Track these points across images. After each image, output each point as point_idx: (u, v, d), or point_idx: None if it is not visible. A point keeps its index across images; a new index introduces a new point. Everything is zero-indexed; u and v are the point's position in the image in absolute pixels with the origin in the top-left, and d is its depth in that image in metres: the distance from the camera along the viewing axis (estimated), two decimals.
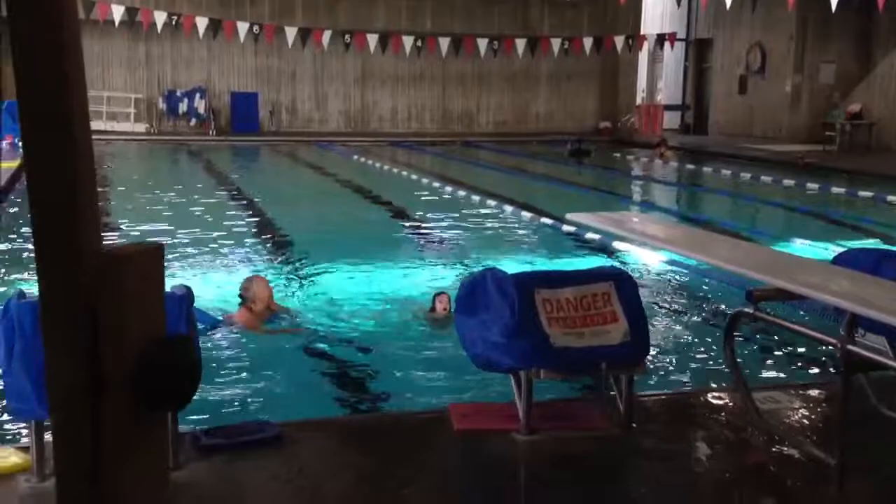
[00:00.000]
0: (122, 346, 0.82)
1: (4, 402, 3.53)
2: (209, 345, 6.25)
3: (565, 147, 23.04)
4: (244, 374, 5.94)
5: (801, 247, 10.42)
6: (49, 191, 0.80)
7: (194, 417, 4.54)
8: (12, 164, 14.75)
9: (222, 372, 5.85)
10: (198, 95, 26.51)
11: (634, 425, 4.33)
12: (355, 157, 21.98)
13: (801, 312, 6.40)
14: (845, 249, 5.21)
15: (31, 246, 0.81)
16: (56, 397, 0.83)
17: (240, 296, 6.88)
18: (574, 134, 26.06)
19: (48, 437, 3.87)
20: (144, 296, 0.85)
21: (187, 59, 27.06)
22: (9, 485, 3.58)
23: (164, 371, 0.86)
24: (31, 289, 6.97)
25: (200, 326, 6.45)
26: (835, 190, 16.12)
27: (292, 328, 6.85)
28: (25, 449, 3.75)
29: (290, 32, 25.78)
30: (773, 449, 4.16)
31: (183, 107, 26.55)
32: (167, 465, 0.95)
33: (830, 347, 4.24)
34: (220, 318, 6.81)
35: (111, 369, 0.81)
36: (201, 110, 26.44)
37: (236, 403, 5.41)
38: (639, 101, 30.84)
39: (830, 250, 8.52)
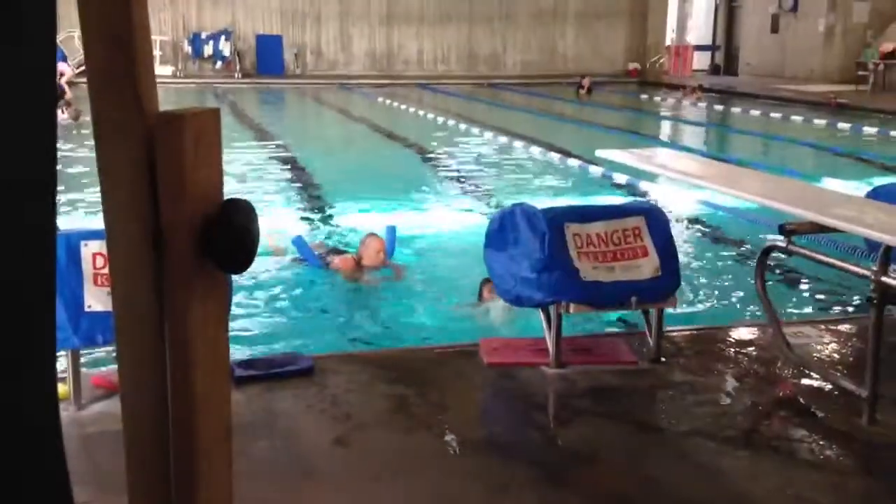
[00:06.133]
0: (183, 203, 0.83)
1: None
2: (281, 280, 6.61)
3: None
4: (286, 307, 6.14)
5: (833, 186, 10.28)
6: (106, 43, 0.79)
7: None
8: None
9: (267, 305, 6.08)
10: (223, 38, 26.36)
11: (664, 359, 4.34)
12: (380, 99, 21.85)
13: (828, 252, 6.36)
14: (880, 185, 5.13)
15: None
16: (117, 257, 0.84)
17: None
18: (600, 75, 25.82)
19: (84, 368, 3.94)
20: (203, 155, 0.86)
21: (212, 0, 26.87)
22: None
23: (226, 228, 0.87)
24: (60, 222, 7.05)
25: (302, 264, 6.89)
26: (867, 130, 15.85)
27: (374, 278, 6.97)
28: (62, 379, 3.82)
29: None
30: (804, 381, 4.16)
31: (208, 49, 26.41)
32: (227, 330, 0.97)
33: (861, 283, 4.21)
34: (319, 257, 7.14)
35: (172, 226, 0.82)
36: (226, 53, 26.30)
37: (273, 337, 5.51)
38: (668, 41, 30.32)
39: (862, 190, 8.39)
